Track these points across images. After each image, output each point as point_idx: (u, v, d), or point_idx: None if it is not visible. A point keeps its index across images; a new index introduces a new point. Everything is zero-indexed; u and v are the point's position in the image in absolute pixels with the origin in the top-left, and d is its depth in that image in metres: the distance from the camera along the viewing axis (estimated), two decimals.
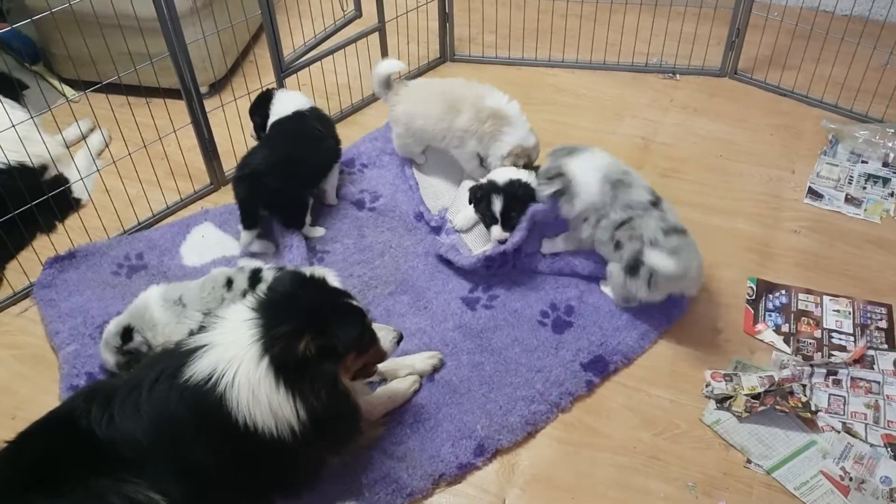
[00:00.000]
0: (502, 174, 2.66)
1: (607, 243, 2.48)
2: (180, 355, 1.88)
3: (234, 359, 1.81)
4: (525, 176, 2.65)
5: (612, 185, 2.45)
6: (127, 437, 1.84)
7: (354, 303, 1.97)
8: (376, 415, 2.23)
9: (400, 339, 2.11)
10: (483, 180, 2.70)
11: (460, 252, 2.68)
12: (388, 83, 2.96)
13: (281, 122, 2.83)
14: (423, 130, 2.88)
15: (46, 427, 1.94)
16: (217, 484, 1.87)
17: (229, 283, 2.36)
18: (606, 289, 2.58)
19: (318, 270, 2.66)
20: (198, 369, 1.82)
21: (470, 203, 2.69)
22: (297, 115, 2.84)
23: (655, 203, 2.43)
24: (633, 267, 2.38)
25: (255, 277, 2.36)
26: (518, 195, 2.59)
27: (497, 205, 2.57)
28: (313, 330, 1.79)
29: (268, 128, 2.88)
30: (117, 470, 1.83)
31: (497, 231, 2.59)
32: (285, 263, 2.61)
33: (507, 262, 2.65)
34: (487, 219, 2.63)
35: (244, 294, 2.28)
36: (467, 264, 2.63)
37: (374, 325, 2.07)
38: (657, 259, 2.29)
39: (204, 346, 1.86)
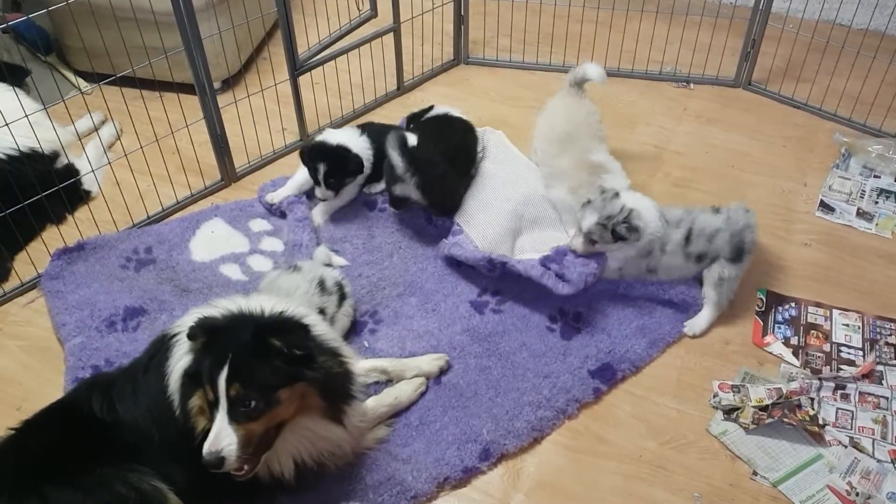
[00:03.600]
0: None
1: (684, 264, 2.51)
2: (168, 336, 1.93)
3: None
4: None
5: (661, 212, 2.51)
6: (127, 422, 1.88)
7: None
8: (382, 417, 2.23)
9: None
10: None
11: (464, 247, 2.64)
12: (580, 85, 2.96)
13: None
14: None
15: (51, 416, 1.96)
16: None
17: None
18: (701, 321, 2.53)
19: (335, 260, 2.68)
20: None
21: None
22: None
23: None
24: (738, 253, 2.48)
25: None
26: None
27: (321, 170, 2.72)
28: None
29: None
30: (121, 457, 1.85)
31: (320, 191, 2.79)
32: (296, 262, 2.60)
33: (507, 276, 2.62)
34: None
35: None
36: (471, 257, 2.60)
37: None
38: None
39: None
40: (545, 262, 2.51)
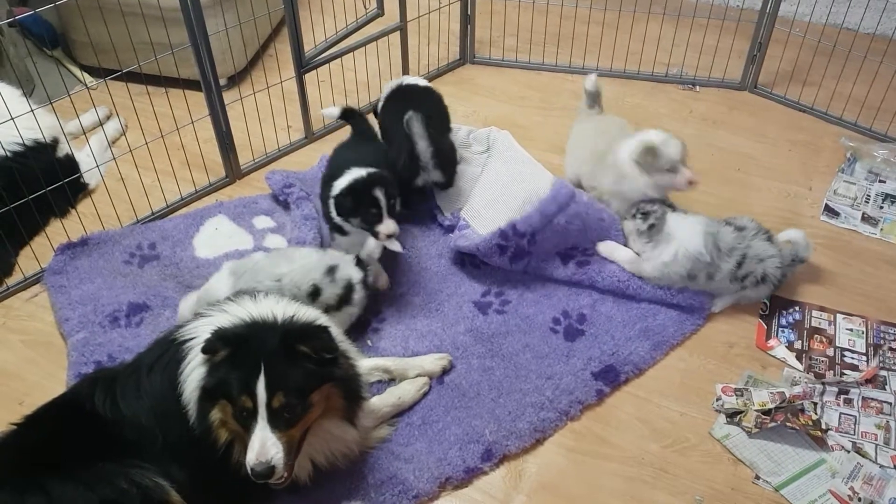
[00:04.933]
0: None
1: (729, 286, 2.52)
2: (178, 342, 1.93)
3: None
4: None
5: (714, 240, 2.47)
6: (129, 419, 1.88)
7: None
8: (385, 417, 2.22)
9: None
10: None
11: (470, 239, 2.64)
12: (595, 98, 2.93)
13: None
14: None
15: (53, 411, 1.96)
16: (216, 469, 1.88)
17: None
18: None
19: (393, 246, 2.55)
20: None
21: (340, 214, 2.43)
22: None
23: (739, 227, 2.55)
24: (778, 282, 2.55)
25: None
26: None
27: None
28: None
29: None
30: (123, 453, 1.85)
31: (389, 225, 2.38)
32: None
33: (522, 255, 2.60)
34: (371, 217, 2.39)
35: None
36: (480, 243, 2.58)
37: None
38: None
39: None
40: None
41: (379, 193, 2.34)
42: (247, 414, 1.76)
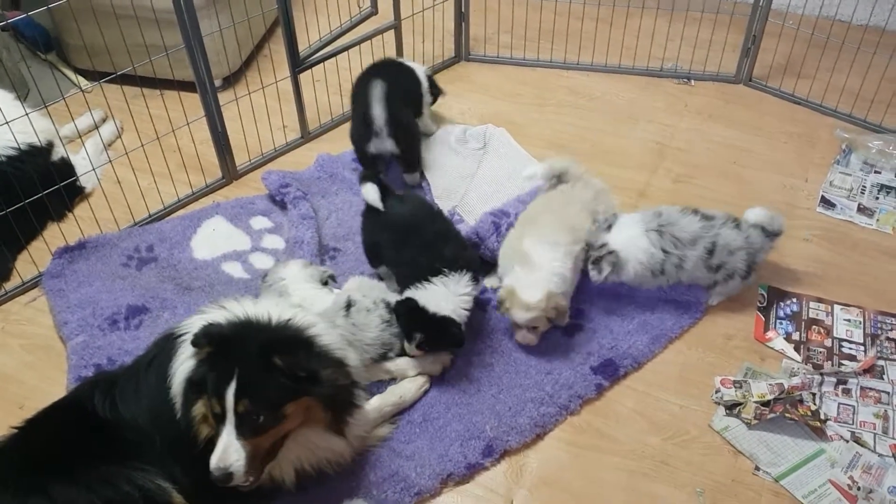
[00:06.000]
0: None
1: (706, 275, 2.49)
2: (172, 338, 1.93)
3: None
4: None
5: (659, 233, 2.43)
6: (129, 421, 1.88)
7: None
8: (386, 416, 2.23)
9: None
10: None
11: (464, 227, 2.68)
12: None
13: None
14: None
15: (54, 414, 1.96)
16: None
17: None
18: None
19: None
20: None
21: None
22: None
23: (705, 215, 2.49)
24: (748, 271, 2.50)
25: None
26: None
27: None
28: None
29: None
30: (125, 456, 1.85)
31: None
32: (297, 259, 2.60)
33: None
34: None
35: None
36: (477, 224, 2.62)
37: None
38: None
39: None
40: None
41: (417, 335, 2.27)
42: (217, 415, 1.76)
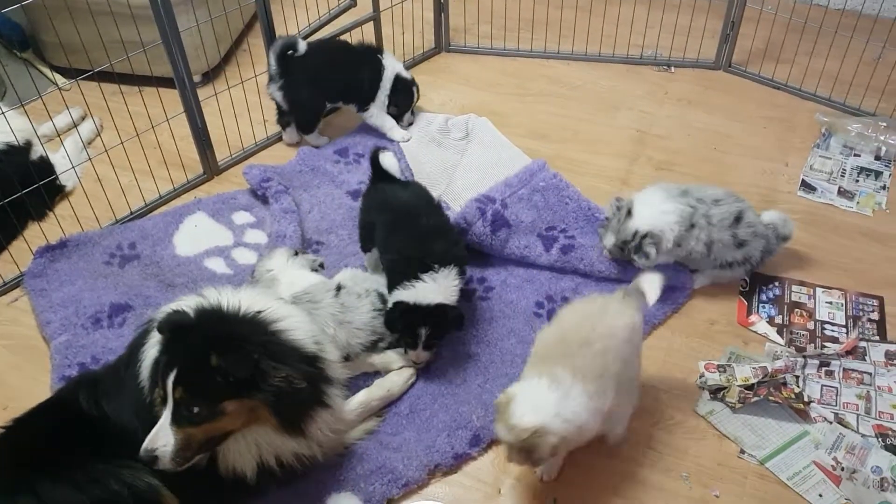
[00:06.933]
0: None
1: (731, 243, 2.47)
2: (146, 329, 1.94)
3: None
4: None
5: (683, 194, 2.45)
6: (114, 418, 1.88)
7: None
8: (374, 409, 2.23)
9: None
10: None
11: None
12: None
13: None
14: None
15: (41, 413, 1.95)
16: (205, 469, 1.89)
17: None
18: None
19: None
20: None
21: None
22: None
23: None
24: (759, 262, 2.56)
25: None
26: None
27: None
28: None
29: None
30: (113, 453, 1.84)
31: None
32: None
33: (501, 223, 2.61)
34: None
35: None
36: (463, 210, 2.62)
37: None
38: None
39: None
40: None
41: (422, 331, 2.24)
42: (163, 400, 1.78)
